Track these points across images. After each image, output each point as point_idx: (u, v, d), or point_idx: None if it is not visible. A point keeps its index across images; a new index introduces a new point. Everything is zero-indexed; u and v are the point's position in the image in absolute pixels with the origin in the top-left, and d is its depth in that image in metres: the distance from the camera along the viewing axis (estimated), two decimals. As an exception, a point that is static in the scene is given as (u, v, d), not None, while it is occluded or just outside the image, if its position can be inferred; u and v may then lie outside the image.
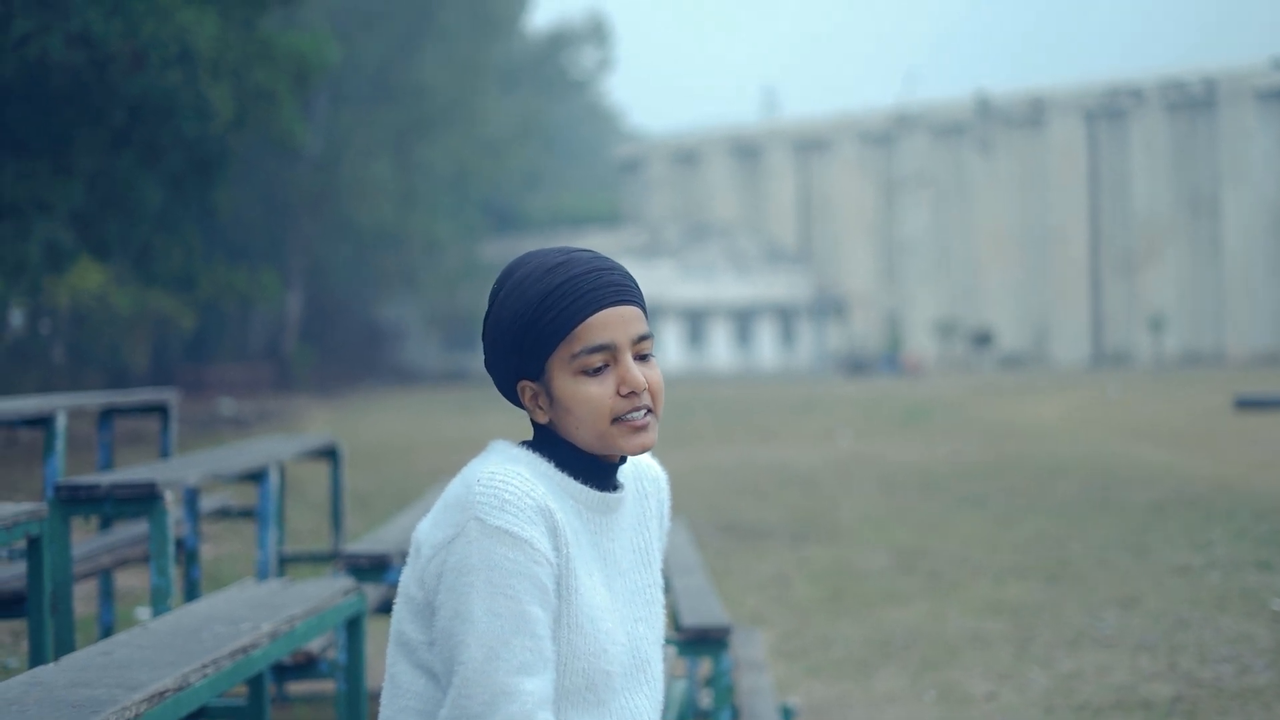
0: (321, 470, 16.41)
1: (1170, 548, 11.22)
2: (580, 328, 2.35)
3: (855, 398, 39.11)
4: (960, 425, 26.53)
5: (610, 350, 2.37)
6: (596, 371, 2.37)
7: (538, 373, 2.40)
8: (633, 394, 2.38)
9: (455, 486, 2.35)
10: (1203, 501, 13.97)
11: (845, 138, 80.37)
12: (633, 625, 2.48)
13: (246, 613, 3.86)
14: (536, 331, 2.36)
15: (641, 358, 2.42)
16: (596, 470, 2.44)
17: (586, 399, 2.36)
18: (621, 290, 2.40)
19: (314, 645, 5.20)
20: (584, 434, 2.39)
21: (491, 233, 64.16)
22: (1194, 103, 71.89)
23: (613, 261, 2.44)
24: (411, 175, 52.57)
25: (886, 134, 79.33)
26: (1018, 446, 21.35)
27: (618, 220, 78.07)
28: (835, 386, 48.43)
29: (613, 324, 2.37)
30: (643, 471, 2.59)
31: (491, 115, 57.56)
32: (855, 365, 66.28)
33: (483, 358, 2.48)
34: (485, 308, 2.45)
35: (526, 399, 2.43)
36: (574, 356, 2.36)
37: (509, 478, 2.29)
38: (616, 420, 2.38)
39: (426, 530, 2.36)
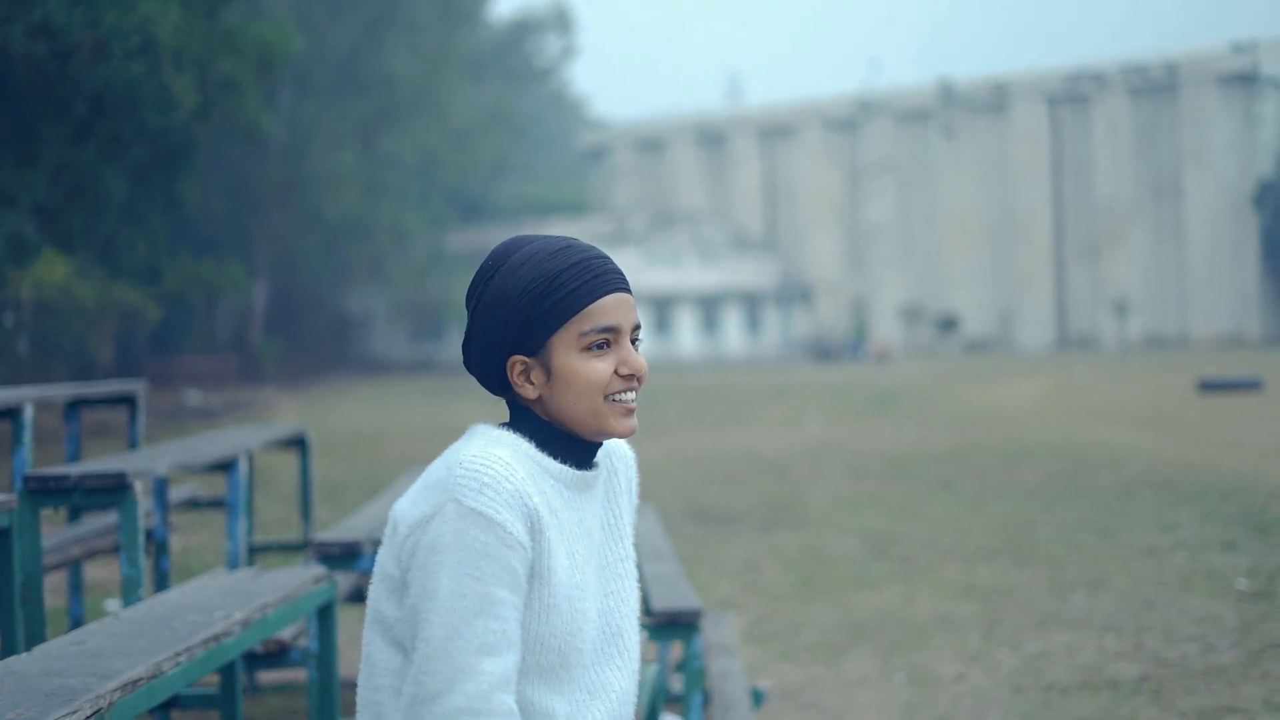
0: (290, 460, 16.37)
1: (1137, 529, 11.28)
2: (593, 306, 2.43)
3: (823, 384, 39.20)
4: (928, 411, 26.62)
5: (615, 332, 2.46)
6: (598, 350, 2.45)
7: (537, 348, 2.45)
8: (631, 376, 2.47)
9: (437, 468, 2.39)
10: (1169, 483, 14.05)
11: (810, 124, 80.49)
12: (604, 599, 2.53)
13: (218, 601, 3.85)
14: (547, 305, 2.42)
15: (633, 343, 2.51)
16: (576, 449, 2.50)
17: (589, 373, 2.43)
18: (624, 279, 2.50)
19: (286, 633, 5.19)
20: (578, 408, 2.45)
21: (458, 222, 64.01)
22: (1156, 87, 72.22)
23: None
24: (378, 165, 52.37)
25: (851, 120, 79.47)
26: (985, 431, 21.43)
27: (584, 208, 78.00)
28: (803, 373, 48.54)
29: (621, 309, 2.46)
30: (611, 449, 2.66)
31: (458, 105, 57.41)
32: (822, 352, 66.42)
33: (456, 343, 2.51)
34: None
35: (515, 374, 2.47)
36: (583, 334, 2.43)
37: (491, 462, 2.34)
38: (610, 398, 2.46)
39: (405, 508, 2.39)
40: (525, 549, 2.33)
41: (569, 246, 2.47)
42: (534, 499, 2.36)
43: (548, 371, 2.45)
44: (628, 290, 2.49)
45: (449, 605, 2.28)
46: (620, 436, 2.49)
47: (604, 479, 2.60)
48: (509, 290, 2.43)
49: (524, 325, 2.43)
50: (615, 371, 2.46)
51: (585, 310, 2.42)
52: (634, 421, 2.50)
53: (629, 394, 2.48)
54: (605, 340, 2.44)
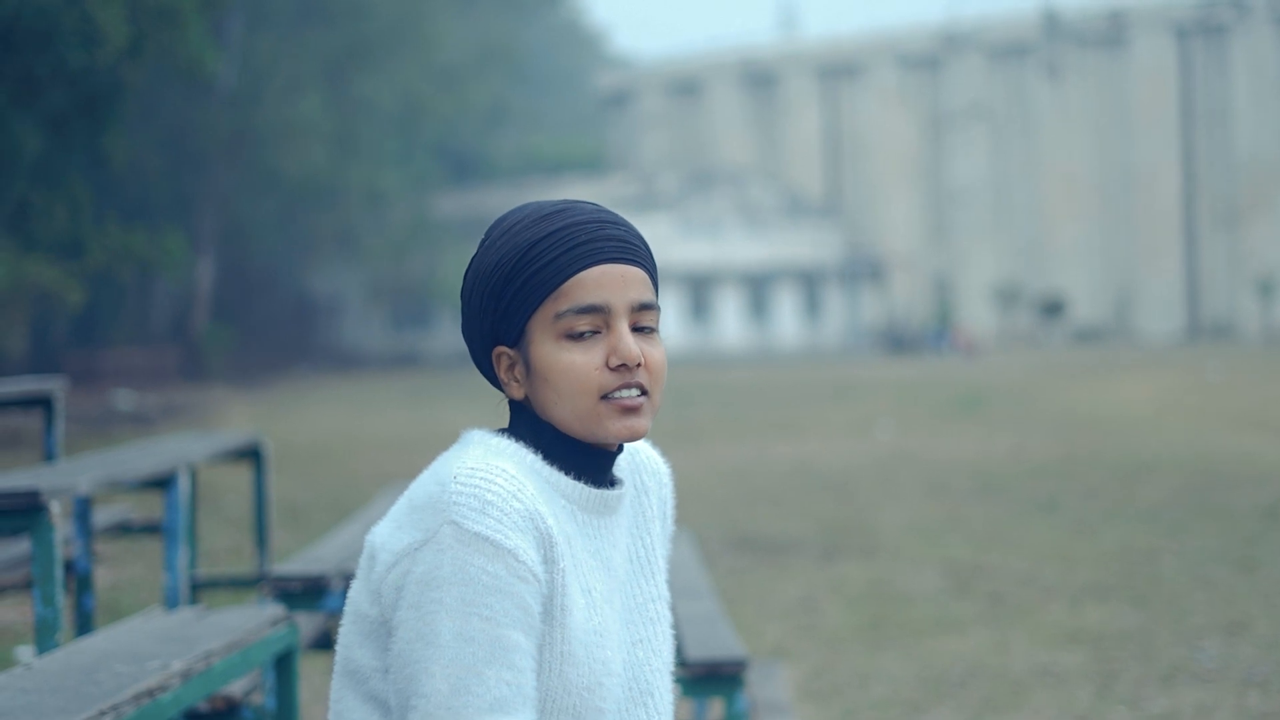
0: (242, 475, 16.38)
1: (1284, 561, 11.26)
2: (569, 283, 2.38)
3: (896, 381, 39.14)
4: (1025, 414, 26.57)
5: (602, 314, 2.40)
6: (582, 337, 2.39)
7: (516, 337, 2.42)
8: (623, 368, 2.40)
9: (425, 484, 2.36)
10: (1324, 504, 14.02)
11: (882, 62, 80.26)
12: (630, 649, 2.50)
13: (153, 648, 3.86)
14: (518, 285, 2.39)
15: (640, 329, 2.44)
16: (590, 462, 2.46)
17: (567, 368, 2.38)
18: (624, 247, 2.43)
19: (235, 688, 5.20)
20: (563, 411, 2.41)
21: (448, 183, 64.01)
22: (1310, 15, 71.80)
23: (622, 218, 2.47)
24: (349, 114, 52.39)
25: (932, 57, 79.22)
26: (1097, 439, 21.38)
27: (602, 166, 77.95)
28: (871, 368, 48.48)
29: (608, 283, 2.40)
30: (641, 464, 2.61)
31: (446, 39, 57.37)
32: (896, 341, 66.33)
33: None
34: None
35: (501, 369, 2.46)
36: (558, 316, 2.38)
37: (492, 475, 2.31)
38: (604, 398, 2.40)
39: (386, 535, 2.36)
40: (540, 581, 2.30)
41: (561, 211, 2.43)
42: (548, 520, 2.32)
43: (528, 365, 2.43)
44: (631, 261, 2.42)
45: (454, 652, 2.24)
46: (619, 440, 2.42)
47: (630, 500, 2.56)
48: (485, 268, 2.42)
49: (498, 310, 2.41)
50: (605, 363, 2.39)
51: (561, 287, 2.38)
52: (638, 422, 2.42)
53: (627, 391, 2.40)
54: (591, 326, 2.39)
